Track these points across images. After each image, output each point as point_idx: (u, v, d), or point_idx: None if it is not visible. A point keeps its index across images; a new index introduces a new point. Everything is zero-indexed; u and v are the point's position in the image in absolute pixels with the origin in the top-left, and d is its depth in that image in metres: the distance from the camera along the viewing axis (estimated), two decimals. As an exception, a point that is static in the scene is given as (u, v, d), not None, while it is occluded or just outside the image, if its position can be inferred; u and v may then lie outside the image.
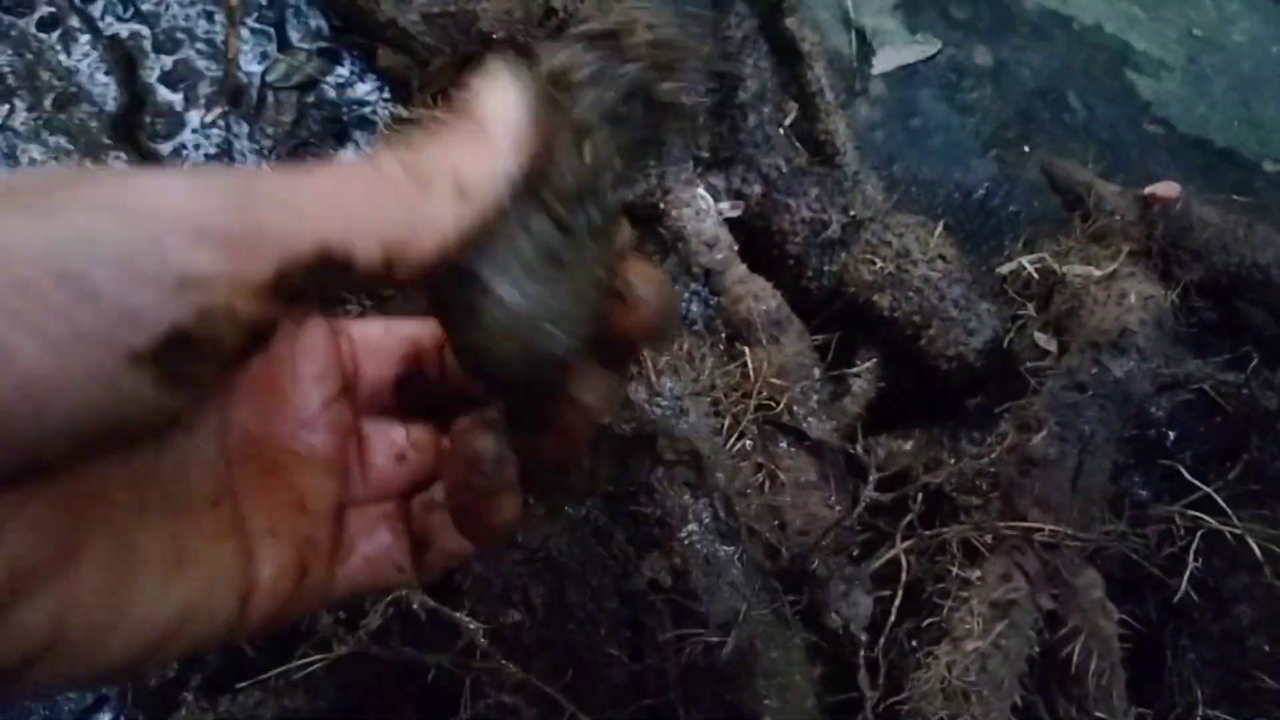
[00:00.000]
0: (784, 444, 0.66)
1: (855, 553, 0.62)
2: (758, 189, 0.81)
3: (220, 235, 0.28)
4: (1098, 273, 0.64)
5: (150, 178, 0.28)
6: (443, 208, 0.30)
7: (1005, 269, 0.69)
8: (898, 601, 0.58)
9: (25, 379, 0.26)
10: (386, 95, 0.96)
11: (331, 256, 0.29)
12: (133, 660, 0.31)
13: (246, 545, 0.35)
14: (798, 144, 0.85)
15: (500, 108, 0.32)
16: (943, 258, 0.73)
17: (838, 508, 0.64)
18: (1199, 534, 0.64)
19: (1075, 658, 0.59)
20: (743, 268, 0.75)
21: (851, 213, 0.78)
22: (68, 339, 0.26)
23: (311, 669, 0.58)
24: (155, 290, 0.27)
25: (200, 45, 1.00)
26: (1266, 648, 0.64)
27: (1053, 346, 0.63)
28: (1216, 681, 0.64)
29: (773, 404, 0.67)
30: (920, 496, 0.64)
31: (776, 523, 0.62)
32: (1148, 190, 0.72)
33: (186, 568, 0.33)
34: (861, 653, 0.56)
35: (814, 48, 0.87)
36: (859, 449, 0.65)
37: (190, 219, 0.27)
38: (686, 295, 0.82)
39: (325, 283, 0.29)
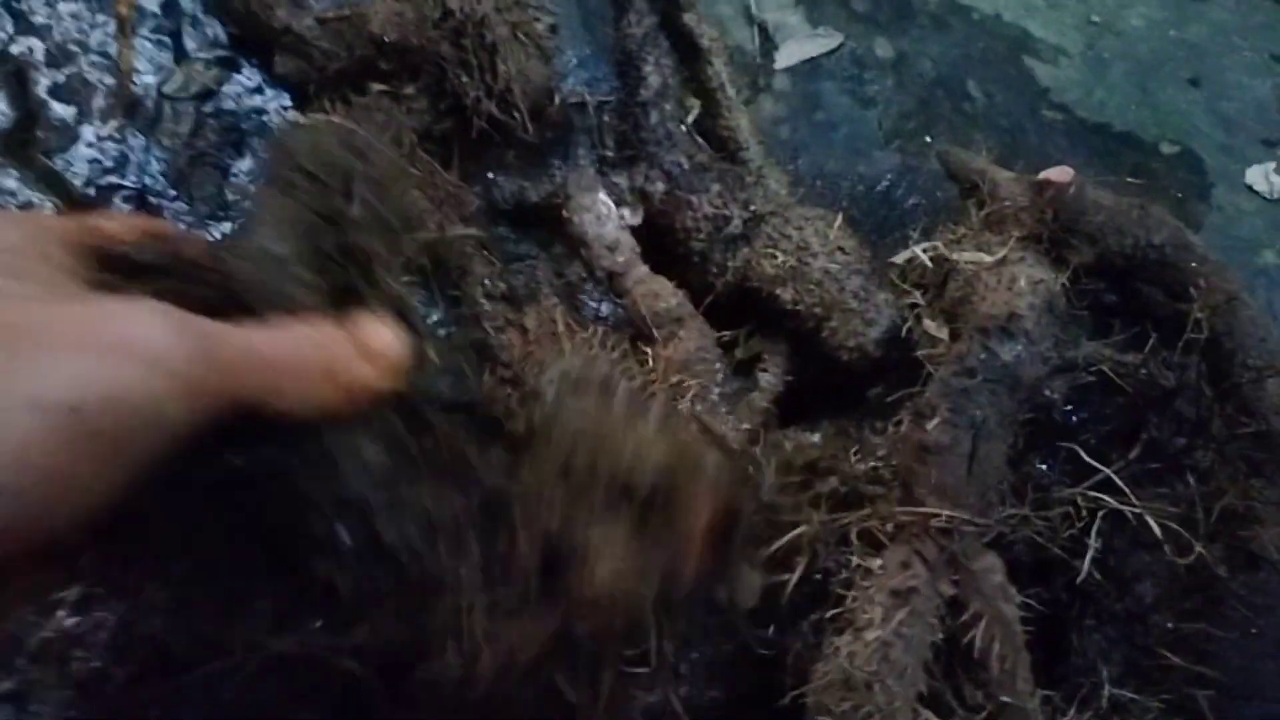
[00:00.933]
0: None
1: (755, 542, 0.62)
2: (660, 186, 0.80)
3: (187, 380, 0.33)
4: (989, 259, 0.64)
5: (130, 318, 0.33)
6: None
7: (900, 258, 0.69)
8: (790, 586, 0.57)
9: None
10: (285, 102, 0.94)
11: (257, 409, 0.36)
12: None
13: None
14: (700, 141, 0.85)
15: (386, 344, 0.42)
16: (842, 249, 0.73)
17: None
18: (1100, 515, 0.64)
19: (978, 643, 0.59)
20: (644, 268, 0.74)
21: (753, 207, 0.78)
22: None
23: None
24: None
25: (94, 58, 0.98)
26: (1170, 625, 0.64)
27: (944, 334, 0.63)
28: (1122, 660, 0.65)
29: (676, 399, 0.67)
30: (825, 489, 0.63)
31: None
32: (1041, 175, 0.73)
33: None
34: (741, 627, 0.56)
35: (713, 43, 0.86)
36: (756, 447, 0.65)
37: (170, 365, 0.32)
38: (597, 295, 0.81)
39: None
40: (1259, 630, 0.68)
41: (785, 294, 0.73)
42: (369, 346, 0.41)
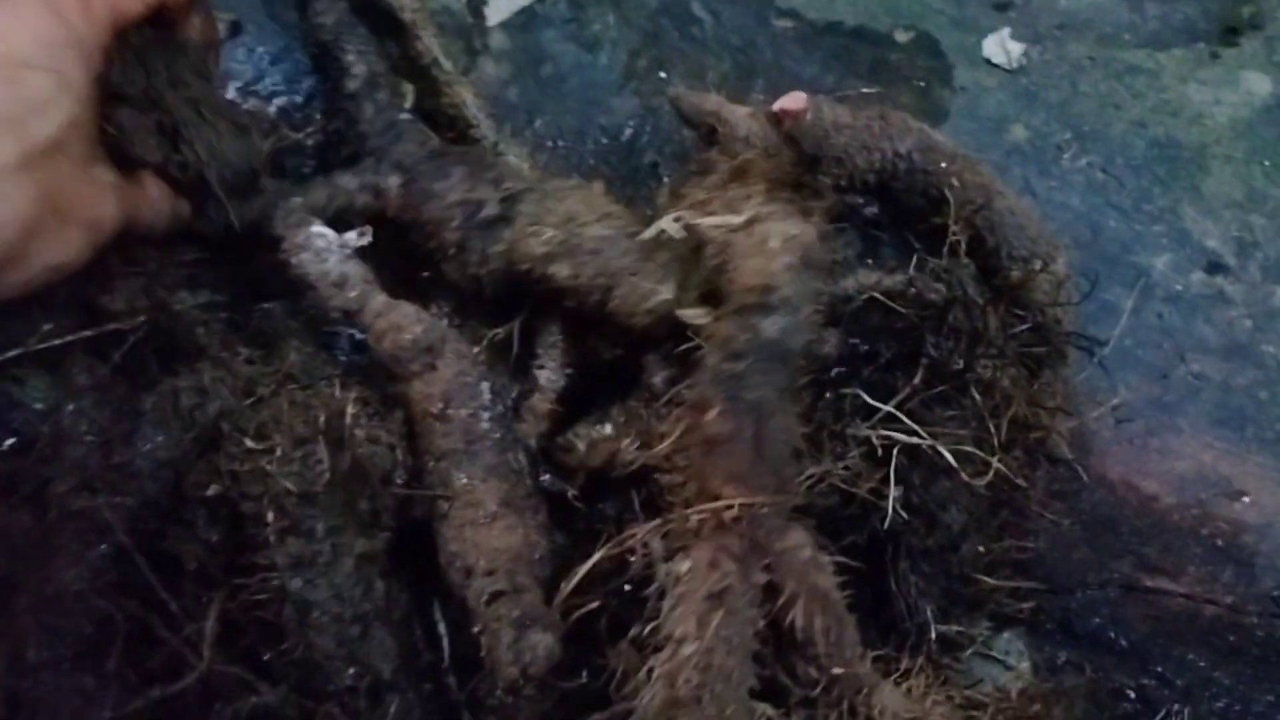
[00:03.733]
0: (462, 479, 0.61)
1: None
2: (395, 180, 0.74)
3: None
4: (737, 220, 0.61)
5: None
6: None
7: (649, 234, 0.64)
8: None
9: None
10: None
11: None
12: None
13: None
14: (426, 125, 0.78)
15: None
16: (610, 214, 0.69)
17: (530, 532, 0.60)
18: (895, 451, 0.63)
19: (799, 622, 0.58)
20: (381, 299, 0.67)
21: (505, 185, 0.72)
22: None
23: None
24: None
25: None
26: (981, 548, 0.65)
27: (705, 318, 0.60)
28: (941, 593, 0.65)
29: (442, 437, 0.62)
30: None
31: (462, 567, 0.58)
32: (775, 106, 0.69)
33: None
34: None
35: (416, 15, 0.79)
36: (542, 472, 0.62)
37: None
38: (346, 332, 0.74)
39: None
40: (1068, 521, 0.69)
41: (561, 270, 0.68)
42: None
